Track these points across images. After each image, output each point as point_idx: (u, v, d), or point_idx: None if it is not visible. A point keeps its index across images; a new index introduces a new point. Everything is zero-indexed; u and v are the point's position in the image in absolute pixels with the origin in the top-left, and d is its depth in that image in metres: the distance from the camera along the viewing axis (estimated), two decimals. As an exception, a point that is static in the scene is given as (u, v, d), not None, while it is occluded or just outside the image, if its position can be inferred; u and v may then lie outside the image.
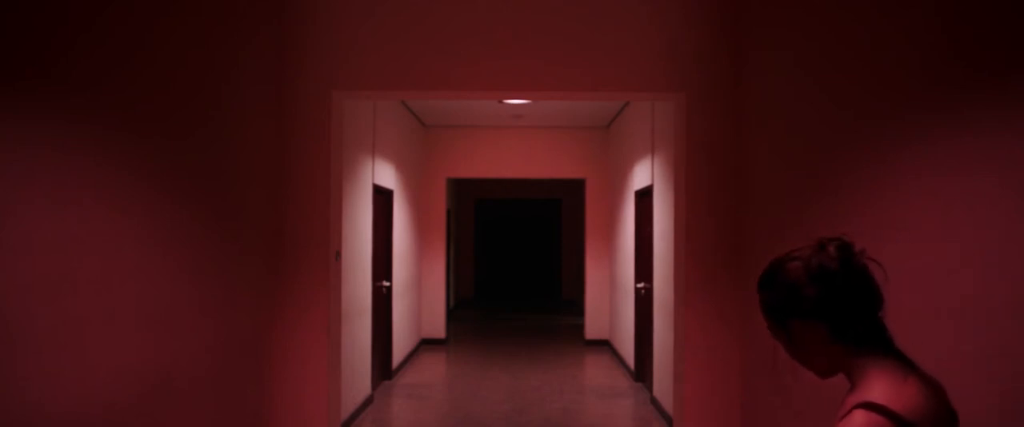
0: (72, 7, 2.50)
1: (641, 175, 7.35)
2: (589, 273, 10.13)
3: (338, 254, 4.63)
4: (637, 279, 7.59)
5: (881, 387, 1.27)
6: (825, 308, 1.32)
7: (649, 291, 6.98)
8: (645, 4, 4.45)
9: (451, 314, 13.46)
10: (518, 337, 10.88)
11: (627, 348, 8.32)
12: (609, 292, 9.98)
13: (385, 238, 7.69)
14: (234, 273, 3.78)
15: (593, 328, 10.18)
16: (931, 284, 2.37)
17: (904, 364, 1.32)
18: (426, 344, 10.13)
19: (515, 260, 16.00)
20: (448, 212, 10.84)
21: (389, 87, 4.52)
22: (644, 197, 7.32)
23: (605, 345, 10.13)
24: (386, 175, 7.51)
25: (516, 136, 9.98)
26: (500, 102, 7.78)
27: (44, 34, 2.36)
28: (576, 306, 14.59)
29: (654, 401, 6.63)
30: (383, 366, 7.68)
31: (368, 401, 6.63)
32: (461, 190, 15.46)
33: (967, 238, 2.19)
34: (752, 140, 4.17)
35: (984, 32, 2.14)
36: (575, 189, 15.76)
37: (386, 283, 7.70)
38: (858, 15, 2.89)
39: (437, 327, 10.21)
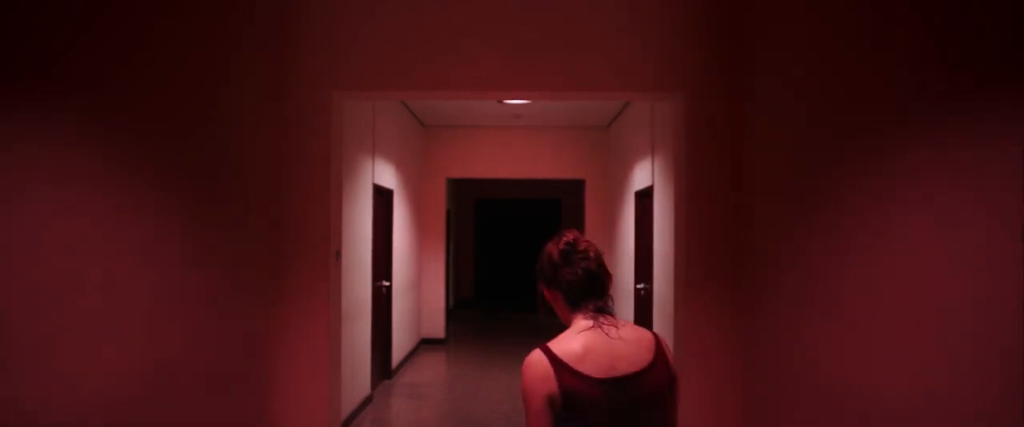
0: (72, 7, 2.50)
1: (641, 176, 7.36)
2: (589, 273, 10.12)
3: (338, 254, 4.63)
4: (637, 280, 7.59)
5: (561, 336, 1.83)
6: (549, 278, 1.91)
7: (649, 292, 6.99)
8: (645, 4, 4.46)
9: (451, 314, 13.46)
10: (518, 337, 10.88)
11: (627, 348, 8.31)
12: (609, 292, 9.97)
13: (385, 238, 7.69)
14: (234, 272, 3.78)
15: (593, 328, 10.16)
16: (930, 286, 2.37)
17: (595, 323, 1.83)
18: (426, 344, 10.14)
19: (515, 260, 15.99)
20: (448, 212, 10.84)
21: (389, 87, 4.52)
22: (644, 198, 7.32)
23: (605, 345, 10.12)
24: (386, 175, 7.52)
25: (516, 136, 9.98)
26: (500, 102, 7.78)
27: (44, 34, 2.36)
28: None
29: (653, 401, 6.62)
30: (383, 366, 7.68)
31: (368, 400, 6.63)
32: (461, 190, 15.45)
33: (963, 240, 2.20)
34: (752, 140, 4.17)
35: (990, 40, 2.14)
36: (575, 189, 15.75)
37: (386, 283, 7.70)
38: (857, 17, 2.89)
39: (437, 327, 10.21)
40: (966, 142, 2.21)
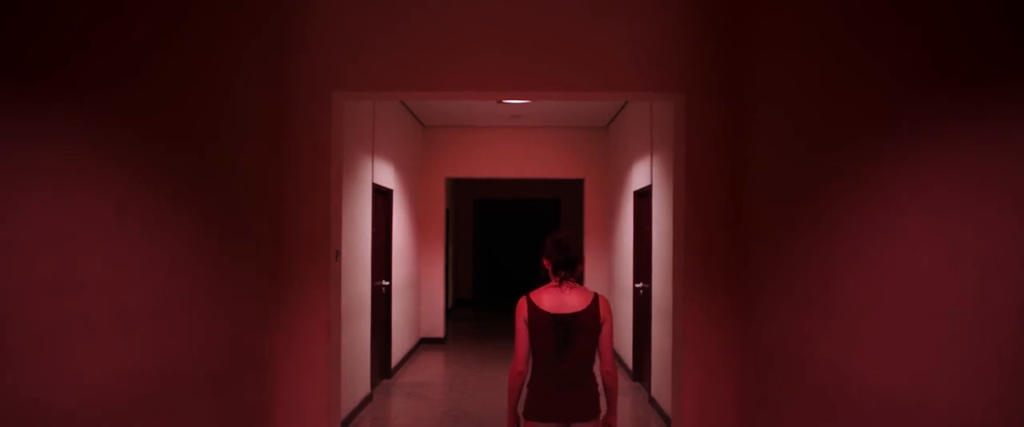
0: (77, 12, 2.51)
1: (640, 175, 7.38)
2: (588, 273, 10.15)
3: (338, 254, 4.64)
4: (636, 279, 7.61)
5: (540, 288, 3.26)
6: (547, 254, 3.27)
7: (648, 291, 7.00)
8: (645, 4, 4.47)
9: (450, 314, 13.47)
10: (517, 337, 10.87)
11: (625, 348, 8.34)
12: (608, 292, 10.00)
13: (384, 238, 7.71)
14: (234, 273, 3.79)
15: (592, 328, 10.16)
16: (925, 285, 2.39)
17: (560, 285, 3.21)
18: (425, 343, 10.15)
19: (514, 260, 15.97)
20: (447, 212, 10.85)
21: (389, 88, 4.53)
22: (643, 197, 7.34)
23: (604, 345, 10.13)
24: (386, 175, 7.53)
25: (515, 136, 10.00)
26: (499, 102, 7.80)
27: (47, 35, 2.37)
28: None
29: (652, 401, 6.65)
30: (382, 365, 7.69)
31: (367, 400, 6.65)
32: (460, 190, 15.46)
33: (961, 238, 2.21)
34: (750, 140, 4.19)
35: (981, 41, 2.16)
36: (574, 189, 15.75)
37: (385, 282, 7.72)
38: (853, 21, 2.91)
39: (436, 326, 10.23)
40: (964, 143, 2.22)
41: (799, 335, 3.43)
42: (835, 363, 3.03)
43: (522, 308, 3.20)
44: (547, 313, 3.15)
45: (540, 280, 3.46)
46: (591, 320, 3.16)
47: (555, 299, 3.18)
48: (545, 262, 3.28)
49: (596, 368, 3.22)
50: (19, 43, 2.25)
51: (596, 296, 3.23)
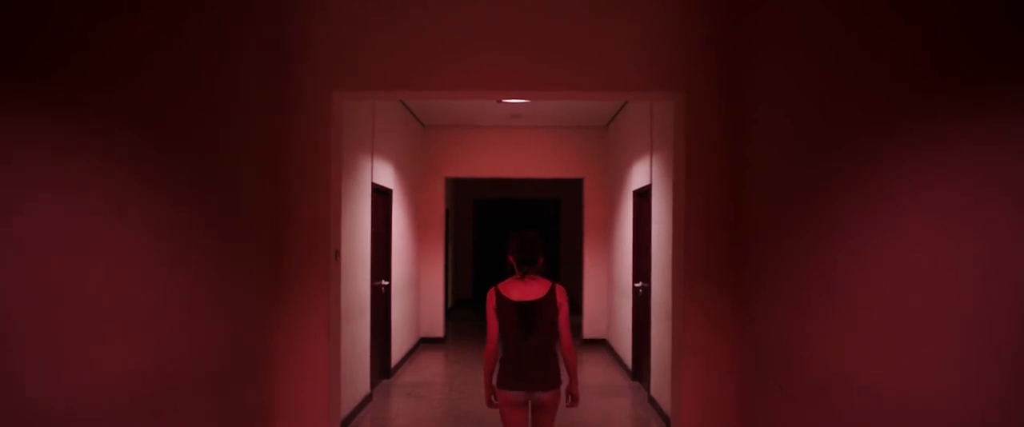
0: (77, 12, 2.51)
1: (640, 175, 7.38)
2: (587, 273, 10.15)
3: (338, 254, 4.64)
4: (635, 279, 7.61)
5: (506, 280, 3.82)
6: (512, 251, 3.79)
7: (647, 291, 7.01)
8: (645, 4, 4.47)
9: (449, 314, 13.46)
10: (516, 336, 10.87)
11: (625, 347, 8.35)
12: (607, 292, 10.00)
13: (384, 237, 7.71)
14: (234, 273, 3.80)
15: (591, 327, 10.20)
16: (925, 285, 2.39)
17: (523, 278, 3.77)
18: (425, 343, 10.15)
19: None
20: (447, 212, 10.85)
21: (389, 87, 4.54)
22: (643, 197, 7.34)
23: (603, 344, 10.15)
24: (385, 175, 7.53)
25: (515, 136, 10.00)
26: (499, 102, 7.80)
27: (49, 36, 2.37)
28: (574, 305, 14.61)
29: (652, 400, 6.65)
30: (382, 365, 7.69)
31: (367, 399, 6.65)
32: (459, 190, 15.46)
33: (960, 238, 2.21)
34: (751, 141, 4.19)
35: (981, 41, 2.16)
36: (574, 189, 15.77)
37: (385, 282, 7.72)
38: (853, 21, 2.91)
39: (436, 326, 10.23)
40: (964, 143, 2.22)
41: (799, 335, 3.43)
42: (835, 363, 3.03)
43: (491, 298, 3.77)
44: (512, 301, 3.71)
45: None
46: (549, 305, 3.73)
47: (519, 289, 3.75)
48: (510, 258, 3.80)
49: (558, 348, 3.85)
50: (19, 43, 2.25)
51: (553, 285, 3.77)
